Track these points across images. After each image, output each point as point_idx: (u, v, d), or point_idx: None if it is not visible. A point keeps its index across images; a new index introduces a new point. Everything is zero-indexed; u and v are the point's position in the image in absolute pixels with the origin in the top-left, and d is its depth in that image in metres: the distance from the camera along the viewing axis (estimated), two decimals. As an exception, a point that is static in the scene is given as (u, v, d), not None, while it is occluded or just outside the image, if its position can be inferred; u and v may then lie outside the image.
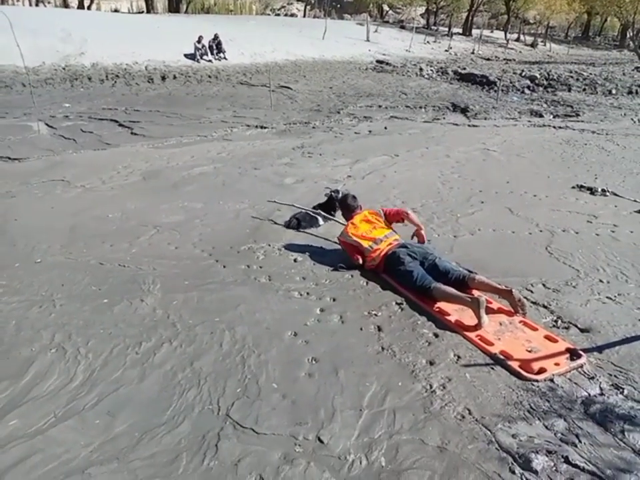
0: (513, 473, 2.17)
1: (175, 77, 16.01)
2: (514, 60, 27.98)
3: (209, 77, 16.56)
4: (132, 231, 4.89)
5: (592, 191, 6.22)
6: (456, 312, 3.41)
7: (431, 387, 2.71)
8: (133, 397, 2.64)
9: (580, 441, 2.34)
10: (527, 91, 16.19)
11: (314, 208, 5.25)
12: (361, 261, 4.11)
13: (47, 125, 9.73)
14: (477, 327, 3.20)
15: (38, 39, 15.53)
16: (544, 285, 3.85)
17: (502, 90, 15.05)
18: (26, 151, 7.91)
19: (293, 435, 2.37)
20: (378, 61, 22.96)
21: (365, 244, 4.08)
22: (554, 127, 10.65)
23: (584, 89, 16.54)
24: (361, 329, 3.28)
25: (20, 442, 2.34)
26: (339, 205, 4.65)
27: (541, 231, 4.94)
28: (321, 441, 2.34)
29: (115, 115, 10.85)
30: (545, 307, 3.55)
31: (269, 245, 4.57)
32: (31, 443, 2.34)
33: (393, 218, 4.32)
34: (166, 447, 2.32)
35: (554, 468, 2.19)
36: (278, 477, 2.14)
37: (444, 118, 11.73)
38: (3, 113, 10.60)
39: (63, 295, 3.70)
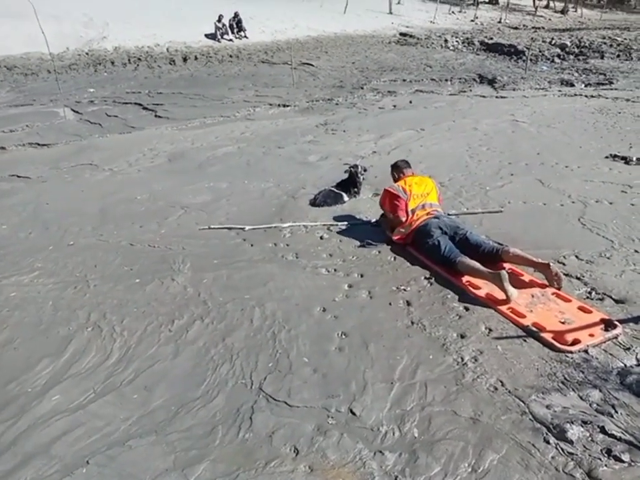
0: (548, 443, 2.16)
1: (196, 58, 15.96)
2: (543, 28, 26.98)
3: (230, 56, 16.47)
4: (160, 212, 4.96)
5: (626, 160, 6.01)
6: (486, 285, 3.36)
7: (463, 359, 2.70)
8: (168, 373, 2.70)
9: (616, 411, 2.30)
10: (557, 59, 15.62)
11: (336, 185, 5.20)
12: (404, 218, 4.01)
13: (72, 110, 9.85)
14: (506, 300, 3.16)
15: (61, 25, 15.66)
16: (577, 257, 3.77)
17: (531, 60, 14.54)
18: (54, 137, 8.05)
19: (326, 408, 2.40)
20: (401, 34, 22.46)
21: (412, 204, 4.03)
22: (586, 96, 10.28)
23: (618, 56, 15.89)
24: (390, 304, 3.27)
25: (63, 416, 2.44)
26: (393, 169, 4.53)
27: (573, 202, 4.82)
28: (354, 413, 2.36)
29: (139, 98, 10.91)
30: (578, 278, 3.48)
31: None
32: (73, 417, 2.43)
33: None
34: (202, 420, 2.38)
35: (590, 438, 2.17)
36: (312, 448, 2.18)
37: (471, 90, 11.44)
38: (30, 100, 10.77)
39: (96, 275, 3.79)
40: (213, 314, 3.22)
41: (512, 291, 3.17)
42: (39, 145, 7.67)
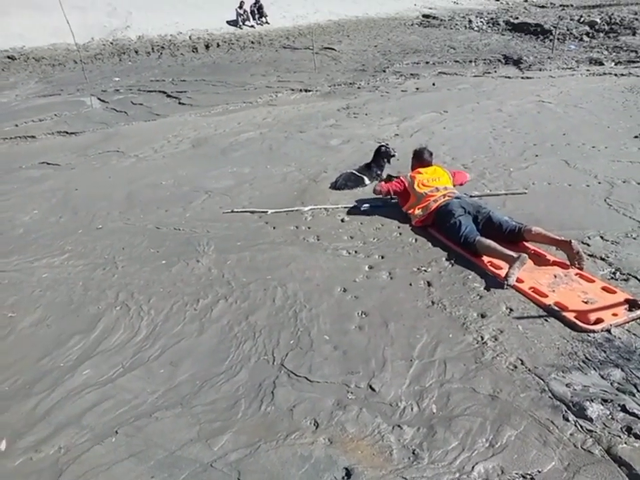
0: (567, 420, 2.16)
1: (218, 45, 16.00)
2: (572, 5, 26.05)
3: (252, 42, 16.46)
4: (185, 197, 5.05)
5: (657, 139, 5.85)
6: (507, 266, 3.34)
7: (482, 338, 2.71)
8: (193, 349, 2.79)
9: (638, 390, 2.29)
10: (585, 38, 15.10)
11: (358, 168, 5.20)
12: (383, 190, 4.38)
13: (99, 99, 10.03)
14: (505, 277, 3.16)
15: (85, 15, 15.85)
16: (602, 237, 3.71)
17: (558, 39, 14.12)
18: (81, 125, 8.23)
19: (345, 383, 2.45)
20: (424, 15, 22.04)
21: (421, 190, 4.12)
22: (615, 75, 9.96)
23: (650, 32, 15.27)
24: (410, 285, 3.29)
25: (93, 389, 2.55)
26: (414, 155, 4.58)
27: (599, 183, 4.72)
28: (373, 389, 2.41)
29: (163, 86, 11.03)
30: (602, 259, 3.43)
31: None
32: (102, 390, 2.54)
33: (457, 179, 4.47)
34: (225, 393, 2.45)
35: (610, 416, 2.16)
36: (332, 421, 2.23)
37: (495, 71, 11.22)
38: (58, 90, 10.99)
39: (124, 257, 3.91)
40: (236, 294, 3.29)
41: (514, 278, 3.14)
42: (67, 133, 7.86)
